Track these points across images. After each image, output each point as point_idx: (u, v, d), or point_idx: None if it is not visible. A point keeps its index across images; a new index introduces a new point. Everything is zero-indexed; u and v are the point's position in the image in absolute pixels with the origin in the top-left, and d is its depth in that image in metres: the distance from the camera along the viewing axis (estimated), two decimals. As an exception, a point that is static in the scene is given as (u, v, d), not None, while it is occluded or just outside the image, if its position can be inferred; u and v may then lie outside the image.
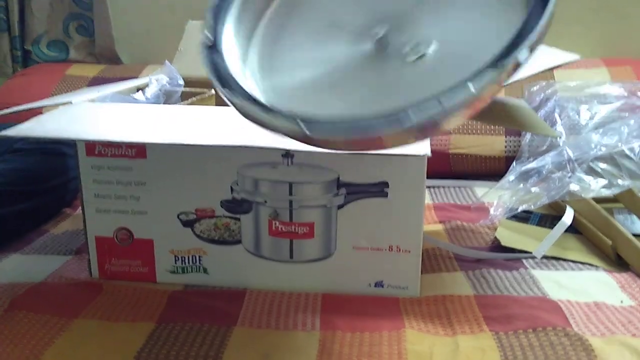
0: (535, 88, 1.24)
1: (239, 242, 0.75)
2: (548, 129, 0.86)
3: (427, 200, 1.07)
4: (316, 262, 0.74)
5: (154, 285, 0.75)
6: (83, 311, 0.68)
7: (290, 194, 0.72)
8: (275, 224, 0.73)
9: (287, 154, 0.71)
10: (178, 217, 0.74)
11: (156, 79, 0.91)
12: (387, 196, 0.70)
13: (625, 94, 1.13)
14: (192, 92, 0.92)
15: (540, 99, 1.20)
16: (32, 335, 0.63)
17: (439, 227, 0.93)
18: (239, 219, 0.74)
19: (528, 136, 1.14)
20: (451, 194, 1.11)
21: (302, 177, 0.71)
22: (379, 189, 0.70)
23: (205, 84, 0.94)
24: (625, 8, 1.47)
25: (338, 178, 0.71)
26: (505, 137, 1.21)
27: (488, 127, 1.22)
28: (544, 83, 1.25)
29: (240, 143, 0.66)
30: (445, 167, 1.21)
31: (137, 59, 1.61)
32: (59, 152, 1.00)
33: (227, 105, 0.53)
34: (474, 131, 1.22)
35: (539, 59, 0.89)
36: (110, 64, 1.57)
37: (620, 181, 0.86)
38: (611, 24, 1.48)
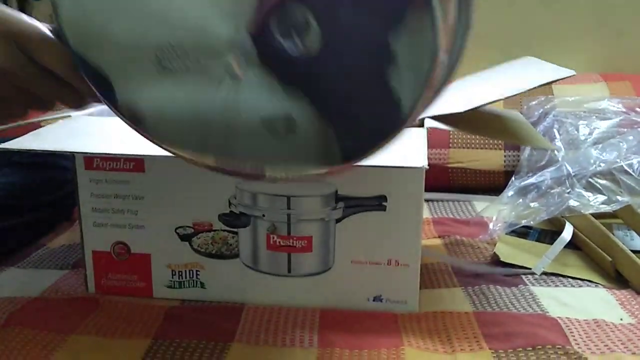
0: (533, 103, 1.24)
1: (236, 256, 0.74)
2: (544, 142, 0.87)
3: (426, 214, 1.07)
4: (314, 277, 0.74)
5: (151, 301, 0.75)
6: (79, 327, 0.68)
7: (289, 207, 0.71)
8: (273, 237, 0.72)
9: None
10: (175, 231, 0.74)
11: None
12: (385, 210, 0.70)
13: (624, 110, 1.13)
14: None
15: (539, 113, 1.20)
16: (27, 352, 0.62)
17: (437, 241, 0.93)
18: (236, 233, 0.74)
19: (527, 151, 1.14)
20: (450, 208, 1.11)
21: (300, 191, 0.71)
22: (377, 203, 0.70)
23: None
24: (624, 24, 1.48)
25: (336, 192, 0.71)
26: (505, 151, 1.21)
27: (487, 141, 1.23)
28: (542, 98, 1.25)
29: None
30: (444, 181, 1.21)
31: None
32: (57, 166, 1.00)
33: None
34: (473, 145, 1.22)
35: (535, 73, 0.89)
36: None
37: (619, 197, 0.86)
38: (610, 40, 1.49)
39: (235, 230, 0.73)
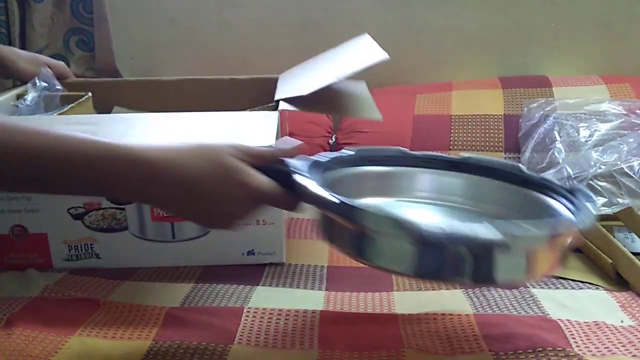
0: (534, 105, 1.24)
1: (125, 228, 0.85)
2: (375, 114, 0.94)
3: (427, 216, 1.07)
4: (195, 240, 0.85)
5: (151, 303, 0.75)
6: (80, 328, 0.68)
7: None
8: (156, 210, 0.84)
9: None
10: (68, 211, 0.84)
11: (34, 86, 0.95)
12: None
13: (625, 112, 1.13)
14: (70, 95, 0.97)
15: (540, 115, 1.20)
16: (28, 353, 0.62)
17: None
18: (124, 209, 0.84)
19: (527, 153, 1.14)
20: (450, 210, 1.11)
21: None
22: None
23: (82, 88, 1.03)
24: (624, 27, 1.48)
25: None
26: (505, 153, 1.21)
27: (488, 143, 1.23)
28: (542, 100, 1.25)
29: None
30: (444, 183, 1.21)
31: (137, 73, 1.61)
32: None
33: None
34: (473, 147, 1.22)
35: (356, 56, 0.96)
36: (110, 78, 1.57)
37: (620, 199, 0.86)
38: (610, 43, 1.49)
39: (122, 207, 0.84)
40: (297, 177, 0.59)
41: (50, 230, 0.85)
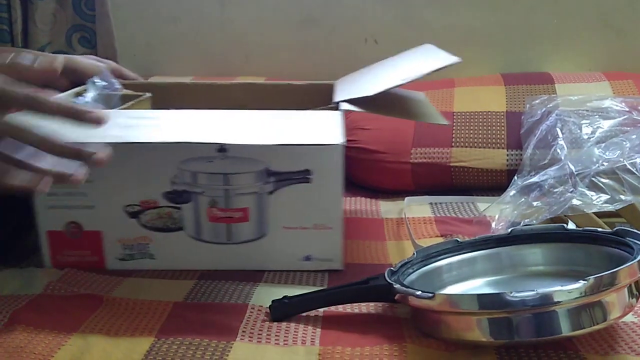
0: (536, 102, 1.24)
1: (181, 228, 0.83)
2: (439, 119, 0.94)
3: (428, 213, 1.07)
4: (251, 243, 0.83)
5: (154, 299, 0.75)
6: (82, 325, 0.68)
7: (225, 183, 0.81)
8: (213, 210, 0.81)
9: (222, 148, 0.80)
10: (125, 209, 0.81)
11: (93, 84, 0.95)
12: (310, 182, 0.80)
13: (627, 109, 1.13)
14: (129, 95, 0.98)
15: (542, 112, 1.20)
16: (31, 350, 0.63)
17: (440, 240, 0.93)
18: (180, 208, 0.82)
19: (529, 150, 1.14)
20: (452, 207, 1.11)
21: (236, 169, 0.81)
22: (303, 176, 0.81)
23: (140, 88, 1.01)
24: (627, 23, 1.48)
25: (267, 168, 0.80)
26: (507, 150, 1.21)
27: (490, 140, 1.22)
28: (545, 97, 1.25)
29: (179, 140, 0.72)
30: (446, 179, 1.21)
31: (139, 71, 1.61)
32: None
33: None
34: (475, 144, 1.22)
35: (421, 61, 0.96)
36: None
37: (622, 196, 0.85)
38: (613, 39, 1.49)
39: (178, 206, 0.81)
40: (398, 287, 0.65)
41: (105, 228, 0.83)
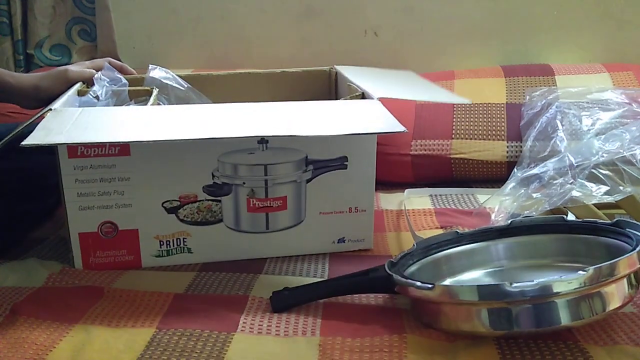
0: (536, 94, 1.24)
1: (220, 221, 0.84)
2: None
3: (429, 205, 1.07)
4: (289, 230, 0.86)
5: (155, 290, 0.75)
6: (84, 316, 0.68)
7: (266, 174, 0.83)
8: (252, 201, 0.83)
9: (262, 140, 0.81)
10: (162, 205, 0.81)
11: (98, 81, 0.94)
12: (346, 168, 0.84)
13: (627, 101, 1.13)
14: (137, 90, 0.97)
15: (542, 104, 1.20)
16: (32, 341, 0.63)
17: (439, 232, 0.93)
18: (219, 201, 0.83)
19: (529, 142, 1.14)
20: (453, 199, 1.11)
21: (276, 159, 0.83)
22: (340, 163, 0.84)
23: (141, 82, 1.02)
24: (627, 14, 1.47)
25: (306, 157, 0.83)
26: (507, 142, 1.21)
27: (490, 132, 1.22)
28: (545, 89, 1.25)
29: (220, 135, 0.72)
30: (446, 171, 1.21)
31: (139, 63, 1.61)
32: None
33: None
34: (475, 136, 1.22)
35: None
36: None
37: (622, 188, 0.85)
38: (613, 31, 1.48)
39: (218, 198, 0.82)
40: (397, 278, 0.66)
41: (142, 226, 0.82)
